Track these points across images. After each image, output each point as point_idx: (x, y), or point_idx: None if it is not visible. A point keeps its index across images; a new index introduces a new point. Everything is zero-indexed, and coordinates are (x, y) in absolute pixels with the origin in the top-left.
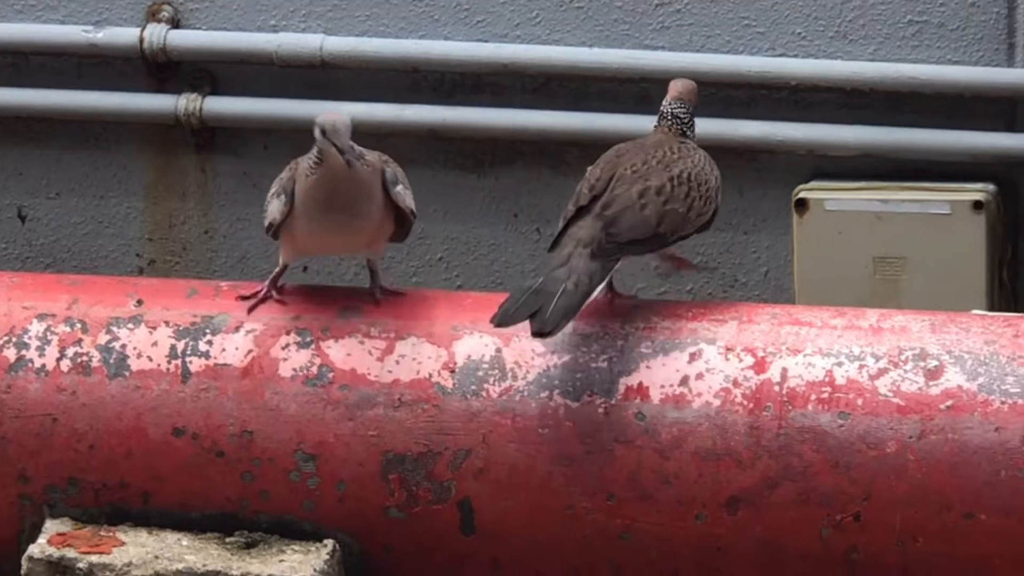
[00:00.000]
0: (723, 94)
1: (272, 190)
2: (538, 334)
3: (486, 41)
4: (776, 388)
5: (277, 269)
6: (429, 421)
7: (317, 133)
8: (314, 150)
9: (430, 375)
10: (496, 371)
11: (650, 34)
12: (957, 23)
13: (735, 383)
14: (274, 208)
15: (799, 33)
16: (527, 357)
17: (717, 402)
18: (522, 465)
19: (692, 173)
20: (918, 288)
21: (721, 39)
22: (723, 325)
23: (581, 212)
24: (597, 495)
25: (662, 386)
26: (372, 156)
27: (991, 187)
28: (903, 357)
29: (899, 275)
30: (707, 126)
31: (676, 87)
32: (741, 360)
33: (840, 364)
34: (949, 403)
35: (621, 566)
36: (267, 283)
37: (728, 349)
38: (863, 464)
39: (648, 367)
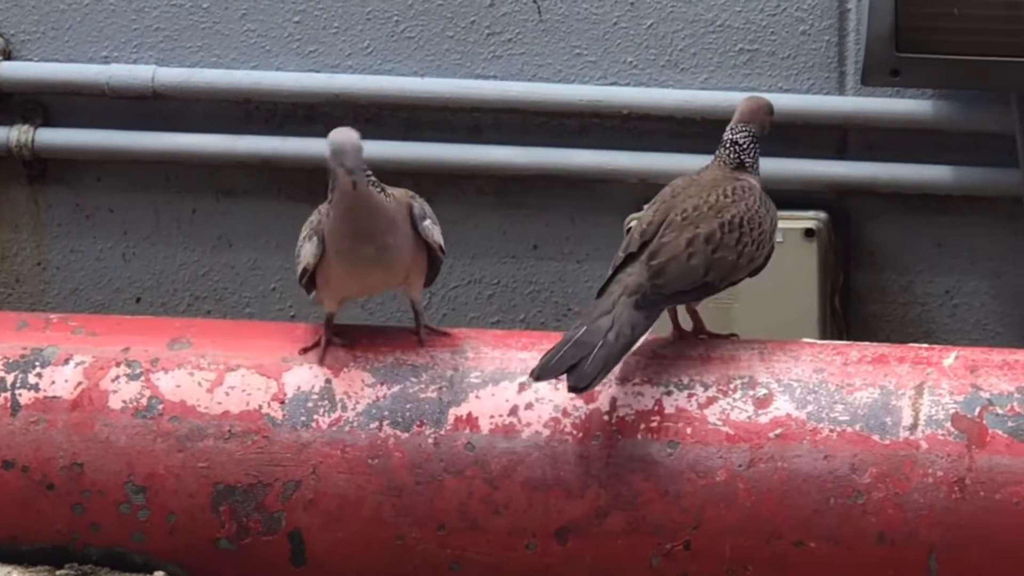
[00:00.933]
0: (555, 123)
1: (302, 235)
2: (574, 389)
3: (318, 71)
4: (605, 417)
5: (327, 317)
6: (259, 452)
7: (327, 154)
8: (330, 181)
9: (260, 406)
10: (326, 402)
11: (481, 63)
12: (788, 51)
13: (564, 412)
14: (307, 252)
15: (630, 62)
16: (357, 388)
17: (547, 432)
18: (352, 496)
19: (745, 218)
20: (751, 316)
21: (553, 68)
22: None
23: (630, 259)
24: (427, 525)
25: (491, 416)
26: (399, 192)
27: (822, 215)
28: (732, 386)
29: (732, 303)
30: (538, 155)
31: (742, 107)
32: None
33: (669, 393)
34: (778, 431)
35: None
36: (324, 330)
37: (557, 379)
38: (693, 493)
39: (478, 397)
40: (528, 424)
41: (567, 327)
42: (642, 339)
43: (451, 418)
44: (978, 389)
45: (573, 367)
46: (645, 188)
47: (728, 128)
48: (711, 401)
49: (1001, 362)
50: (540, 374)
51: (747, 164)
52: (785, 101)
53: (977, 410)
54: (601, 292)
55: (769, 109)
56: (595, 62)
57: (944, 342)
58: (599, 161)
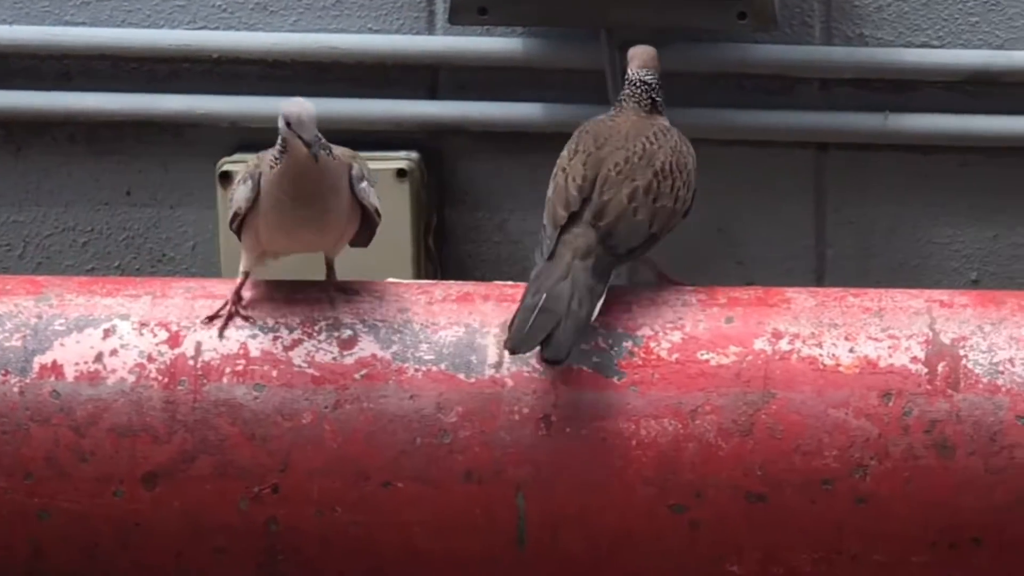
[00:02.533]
0: (146, 68)
1: (237, 178)
2: (550, 361)
3: None
4: (191, 362)
5: (239, 280)
6: None
7: (281, 123)
8: (278, 141)
9: None
10: None
11: (71, 10)
12: None
13: (150, 358)
14: (240, 195)
15: (219, 5)
16: None
17: (132, 378)
18: None
19: (672, 162)
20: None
21: (142, 13)
22: (137, 301)
23: (574, 218)
24: (15, 475)
25: (76, 363)
26: (339, 150)
27: (414, 155)
28: (317, 327)
29: None
30: (129, 101)
31: (640, 55)
32: (155, 335)
33: (255, 336)
34: (364, 372)
35: (41, 545)
36: (230, 297)
37: (142, 324)
38: (279, 436)
39: (62, 345)
40: (113, 371)
41: (162, 273)
42: (601, 302)
43: (36, 366)
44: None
45: (547, 339)
46: (238, 132)
47: (632, 72)
48: (296, 343)
49: None
50: (515, 346)
51: (659, 105)
52: (374, 42)
53: None
54: (552, 255)
55: (658, 57)
56: (184, 6)
57: None
58: (190, 106)
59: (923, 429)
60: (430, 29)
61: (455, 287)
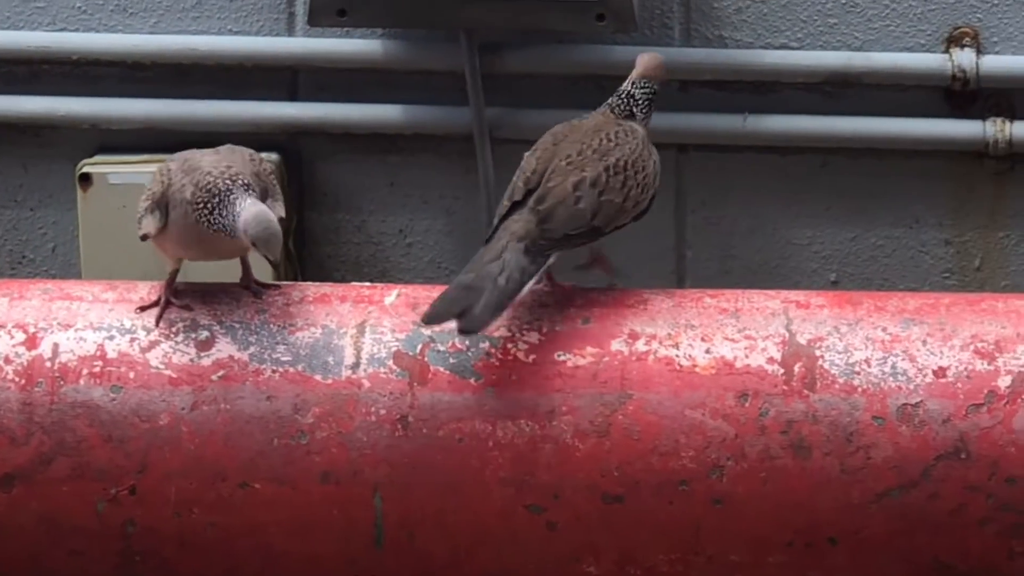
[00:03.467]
0: (5, 70)
1: (143, 204)
2: (464, 331)
3: None
4: (48, 364)
5: (169, 273)
6: None
7: (243, 235)
8: (194, 191)
9: None
10: None
11: None
12: None
13: (7, 360)
14: (148, 224)
15: (79, 7)
16: None
17: None
18: None
19: (629, 161)
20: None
21: (2, 14)
22: None
23: (516, 206)
24: None
25: None
26: (238, 157)
27: (275, 156)
28: (174, 328)
29: None
30: None
31: (646, 62)
32: (12, 337)
33: (112, 338)
34: (221, 373)
35: None
36: (163, 290)
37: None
38: (137, 437)
39: None
40: None
41: (22, 275)
42: (531, 283)
43: None
44: (419, 326)
45: (464, 311)
46: (98, 134)
47: (629, 81)
48: (153, 344)
49: None
50: (429, 319)
51: (637, 116)
52: (234, 44)
53: (419, 347)
54: (490, 239)
55: (665, 67)
56: (44, 8)
57: (399, 281)
58: (50, 107)
59: (780, 430)
60: (290, 31)
61: (312, 288)
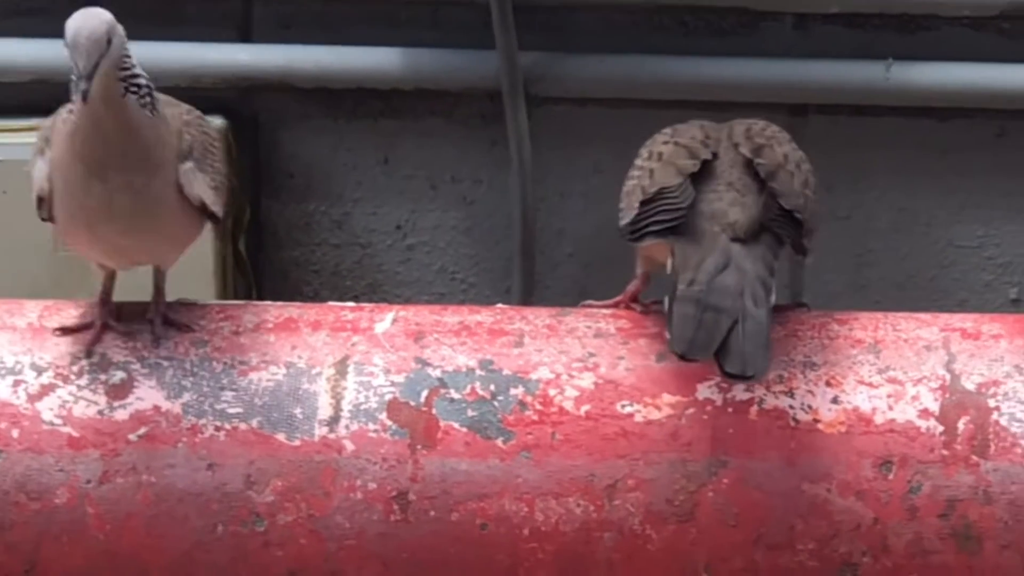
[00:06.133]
0: None
1: (33, 148)
2: (740, 377)
3: None
4: None
5: (102, 287)
6: None
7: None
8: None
9: None
10: None
11: None
12: None
13: None
14: (38, 173)
15: None
16: None
17: None
18: None
19: (802, 159)
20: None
21: None
22: None
23: (705, 175)
24: None
25: None
26: (177, 111)
27: (219, 121)
28: (77, 368)
29: None
30: None
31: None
32: None
33: None
34: (143, 431)
35: None
36: (97, 309)
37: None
38: (24, 523)
39: None
40: None
41: None
42: (773, 298)
43: None
44: (425, 364)
45: (724, 347)
46: None
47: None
48: (47, 391)
49: (459, 325)
50: (687, 350)
51: None
52: None
53: (424, 394)
54: (688, 225)
55: None
56: None
57: (396, 299)
58: None
59: (938, 512)
60: None
61: (273, 311)
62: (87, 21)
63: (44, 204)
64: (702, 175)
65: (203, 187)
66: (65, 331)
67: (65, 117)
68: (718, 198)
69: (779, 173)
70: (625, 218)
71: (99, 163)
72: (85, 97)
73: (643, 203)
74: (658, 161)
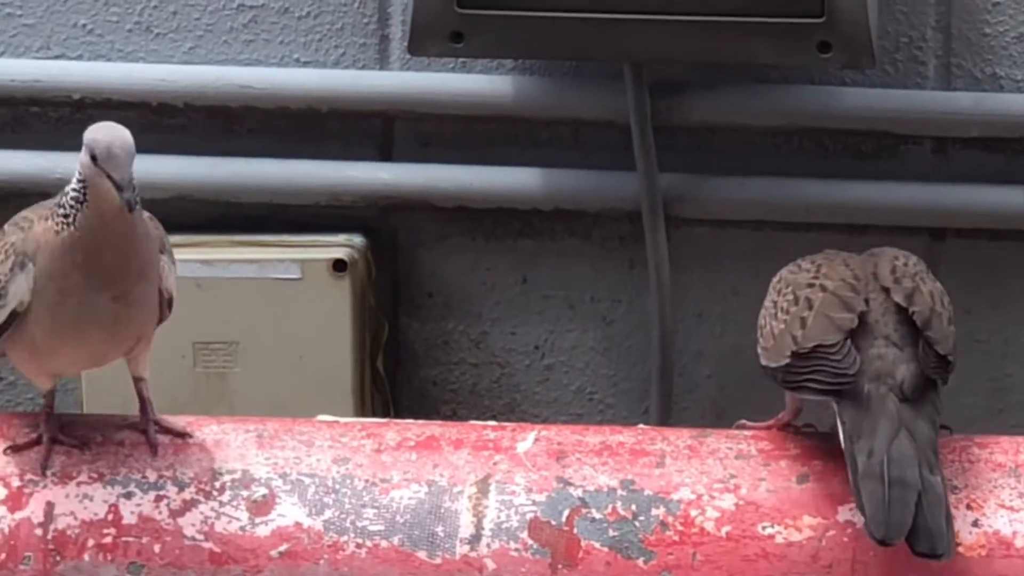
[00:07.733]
0: None
1: (3, 260)
2: (931, 556)
3: None
4: (39, 531)
5: (44, 400)
6: None
7: (84, 157)
8: (71, 190)
9: None
10: None
11: None
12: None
13: None
14: (20, 286)
15: (84, 26)
16: None
17: None
18: None
19: (944, 295)
20: (255, 384)
21: None
22: None
23: (858, 334)
24: None
25: None
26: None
27: (358, 239)
28: (219, 484)
29: (230, 367)
30: None
31: None
32: None
33: (129, 495)
34: (283, 548)
35: None
36: (43, 424)
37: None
38: None
39: None
40: None
41: None
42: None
43: None
44: (567, 484)
45: (916, 525)
46: None
47: None
48: (189, 506)
49: (600, 445)
50: (887, 535)
51: None
52: (304, 79)
53: (566, 514)
54: (855, 390)
55: None
56: (34, 27)
57: (535, 419)
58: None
59: None
60: (382, 62)
61: (415, 428)
62: (116, 132)
63: (15, 319)
64: (857, 327)
65: (173, 280)
66: (16, 449)
67: (55, 227)
68: (879, 356)
69: (932, 320)
70: (772, 360)
71: (106, 273)
72: (131, 207)
73: (795, 354)
74: (808, 309)
